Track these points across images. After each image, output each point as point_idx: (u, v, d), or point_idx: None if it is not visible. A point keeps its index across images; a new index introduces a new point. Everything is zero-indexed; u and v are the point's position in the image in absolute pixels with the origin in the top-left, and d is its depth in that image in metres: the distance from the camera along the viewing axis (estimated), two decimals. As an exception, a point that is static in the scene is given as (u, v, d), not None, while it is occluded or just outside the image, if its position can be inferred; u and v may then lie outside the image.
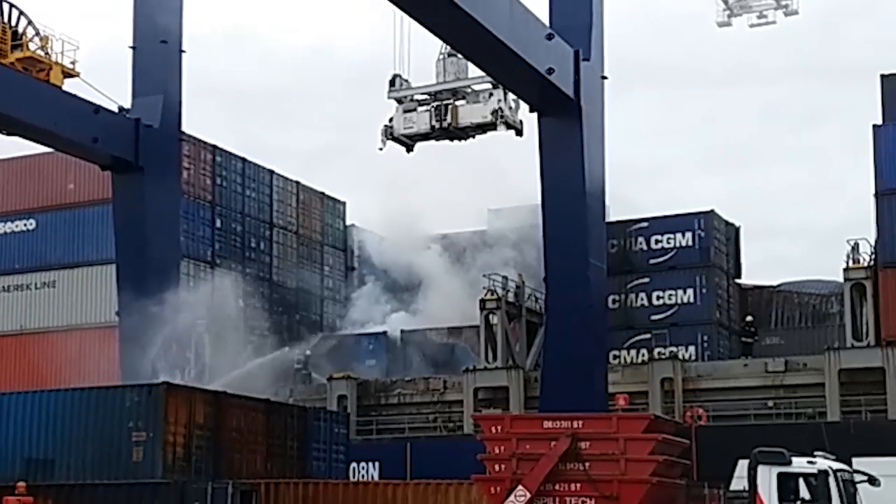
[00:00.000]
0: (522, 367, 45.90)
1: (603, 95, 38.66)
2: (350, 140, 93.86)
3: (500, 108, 39.18)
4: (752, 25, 59.47)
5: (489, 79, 39.38)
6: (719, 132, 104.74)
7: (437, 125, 40.03)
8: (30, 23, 41.68)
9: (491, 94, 39.67)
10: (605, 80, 38.71)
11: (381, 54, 40.64)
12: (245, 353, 48.42)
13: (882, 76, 43.76)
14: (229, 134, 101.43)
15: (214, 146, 52.45)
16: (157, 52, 42.85)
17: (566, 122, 36.99)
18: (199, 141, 51.30)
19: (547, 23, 36.82)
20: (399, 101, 40.82)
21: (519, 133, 40.20)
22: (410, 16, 32.83)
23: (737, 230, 51.49)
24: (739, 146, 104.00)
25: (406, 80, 40.66)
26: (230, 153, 53.46)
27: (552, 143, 37.09)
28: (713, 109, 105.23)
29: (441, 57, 40.53)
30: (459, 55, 39.42)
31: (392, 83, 40.71)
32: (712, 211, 49.04)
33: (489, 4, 32.40)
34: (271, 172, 55.96)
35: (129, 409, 31.36)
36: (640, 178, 59.48)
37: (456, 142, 40.87)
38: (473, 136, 40.66)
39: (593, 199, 37.64)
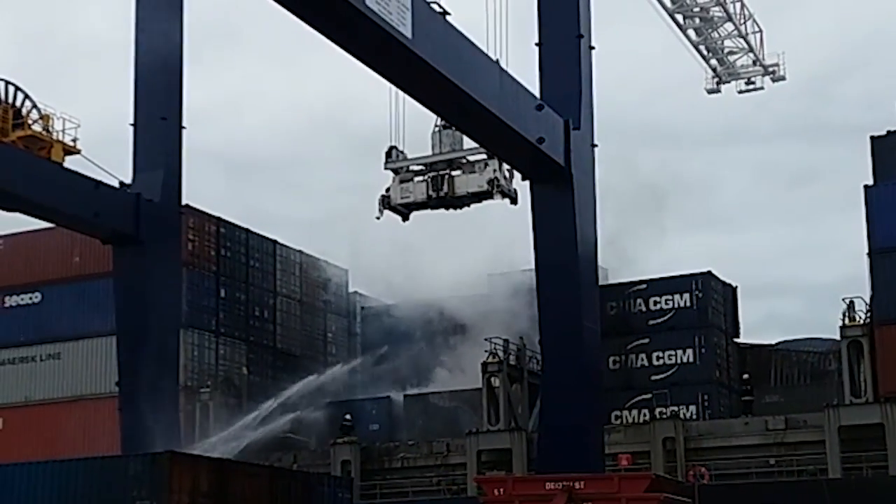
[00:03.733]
0: (525, 429, 46.18)
1: (594, 163, 39.00)
2: (352, 208, 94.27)
3: (495, 177, 39.29)
4: (740, 91, 60.50)
5: (484, 149, 39.59)
6: (714, 193, 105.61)
7: (434, 195, 40.08)
8: (27, 98, 42.01)
9: (486, 165, 39.72)
10: (596, 148, 39.15)
11: (380, 124, 40.81)
12: (248, 419, 48.80)
13: (872, 137, 44.28)
14: (234, 203, 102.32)
15: (219, 218, 53.27)
16: (158, 128, 42.90)
17: (558, 189, 37.31)
18: (204, 213, 52.20)
19: (537, 93, 37.28)
20: (395, 171, 40.92)
21: (514, 201, 40.26)
22: (402, 90, 33.35)
23: (734, 290, 51.96)
24: (734, 207, 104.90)
25: (402, 152, 40.65)
26: (234, 224, 54.29)
27: (544, 210, 37.48)
28: (707, 171, 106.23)
29: (437, 129, 40.59)
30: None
31: (388, 155, 40.71)
32: (709, 272, 49.51)
33: (479, 77, 32.82)
34: (275, 243, 56.75)
35: (132, 479, 30.71)
36: (640, 241, 59.76)
37: (451, 210, 41.19)
38: (469, 205, 40.68)
39: (586, 263, 37.86)
